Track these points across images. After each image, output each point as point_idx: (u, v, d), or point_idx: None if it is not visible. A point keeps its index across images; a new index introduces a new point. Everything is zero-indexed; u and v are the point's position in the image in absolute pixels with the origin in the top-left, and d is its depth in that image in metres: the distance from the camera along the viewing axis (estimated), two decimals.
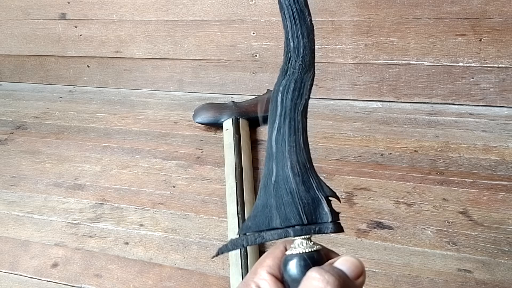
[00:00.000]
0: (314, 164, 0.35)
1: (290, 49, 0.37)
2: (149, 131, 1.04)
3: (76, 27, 1.24)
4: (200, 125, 1.03)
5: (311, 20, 0.38)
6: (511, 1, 0.90)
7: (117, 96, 1.24)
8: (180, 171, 0.88)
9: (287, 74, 0.37)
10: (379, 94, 1.07)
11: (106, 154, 0.96)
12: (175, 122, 1.07)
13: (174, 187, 0.83)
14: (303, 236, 0.32)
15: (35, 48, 1.32)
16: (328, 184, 0.35)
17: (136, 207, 0.79)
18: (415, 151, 0.87)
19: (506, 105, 0.99)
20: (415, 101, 1.04)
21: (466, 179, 0.78)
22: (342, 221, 0.74)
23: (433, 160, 0.84)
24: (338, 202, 0.35)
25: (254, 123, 1.00)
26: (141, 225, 0.75)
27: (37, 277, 0.66)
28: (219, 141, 0.96)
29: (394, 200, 0.75)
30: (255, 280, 0.32)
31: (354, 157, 0.87)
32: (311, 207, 0.33)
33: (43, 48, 1.31)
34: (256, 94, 1.12)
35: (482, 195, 0.74)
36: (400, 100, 1.05)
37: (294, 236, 0.33)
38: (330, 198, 0.34)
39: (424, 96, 1.04)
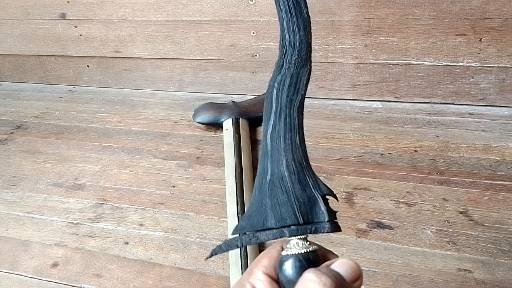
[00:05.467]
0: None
1: (285, 42, 0.36)
2: (149, 131, 1.04)
3: (76, 27, 1.24)
4: (200, 125, 1.03)
5: (307, 12, 0.36)
6: (511, 1, 0.90)
7: (117, 96, 1.24)
8: (180, 171, 0.88)
9: (283, 69, 0.36)
10: (379, 94, 1.06)
11: (106, 154, 0.96)
12: (175, 122, 1.07)
13: (174, 187, 0.83)
14: (299, 236, 0.32)
15: (35, 48, 1.32)
16: (327, 184, 0.34)
17: (136, 207, 0.79)
18: (415, 151, 0.87)
19: (506, 105, 0.99)
20: (415, 101, 1.04)
21: (466, 179, 0.78)
22: (342, 221, 0.74)
23: (433, 160, 0.84)
24: (336, 201, 0.35)
25: (254, 123, 1.00)
26: (141, 225, 0.75)
27: (37, 277, 0.66)
28: (219, 141, 0.96)
29: (394, 200, 0.75)
30: (250, 280, 0.31)
31: (354, 157, 0.87)
32: (307, 206, 0.33)
33: (43, 48, 1.31)
34: (256, 94, 1.12)
35: (482, 195, 0.74)
36: (400, 100, 1.05)
37: (290, 236, 0.32)
38: (327, 196, 0.34)
39: (424, 96, 1.04)
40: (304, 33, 0.36)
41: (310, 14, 0.37)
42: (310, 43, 0.36)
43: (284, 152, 0.34)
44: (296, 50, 0.36)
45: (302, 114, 0.35)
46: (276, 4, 0.36)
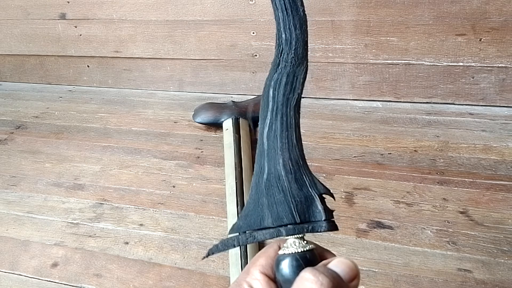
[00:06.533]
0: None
1: (282, 41, 0.36)
2: (149, 131, 1.04)
3: (76, 27, 1.24)
4: (200, 125, 1.03)
5: (303, 11, 0.36)
6: (511, 1, 0.90)
7: (117, 96, 1.24)
8: (180, 171, 0.88)
9: (279, 67, 0.36)
10: (379, 94, 1.06)
11: (106, 154, 0.96)
12: (175, 122, 1.07)
13: (174, 187, 0.83)
14: (296, 236, 0.32)
15: (35, 48, 1.32)
16: (327, 184, 0.34)
17: (136, 207, 0.79)
18: (415, 151, 0.87)
19: (506, 105, 0.99)
20: (415, 101, 1.04)
21: (466, 179, 0.78)
22: (342, 221, 0.74)
23: (433, 160, 0.84)
24: (333, 200, 0.35)
25: (254, 123, 1.00)
26: (141, 225, 0.75)
27: (37, 277, 0.66)
28: (219, 141, 0.96)
29: (394, 200, 0.75)
30: (247, 279, 0.31)
31: (354, 157, 0.87)
32: (304, 205, 0.33)
33: (43, 48, 1.31)
34: (256, 94, 1.12)
35: (482, 195, 0.74)
36: (400, 100, 1.05)
37: (286, 236, 0.32)
38: (324, 195, 0.34)
39: (424, 96, 1.04)
40: (300, 32, 0.36)
41: (309, 14, 0.37)
42: (307, 41, 0.36)
43: (280, 151, 0.34)
44: (293, 48, 0.36)
45: (299, 113, 0.35)
46: (272, 2, 0.36)
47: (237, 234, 0.33)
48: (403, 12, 0.96)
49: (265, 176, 0.34)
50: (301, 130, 0.35)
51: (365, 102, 1.07)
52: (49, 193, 0.85)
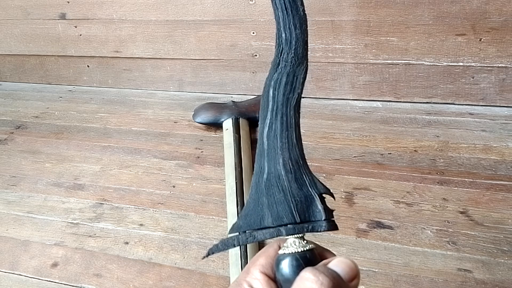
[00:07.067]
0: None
1: (282, 41, 0.36)
2: (149, 131, 1.04)
3: (76, 27, 1.24)
4: (200, 125, 1.03)
5: (303, 10, 0.36)
6: (511, 1, 0.90)
7: (117, 96, 1.24)
8: (180, 171, 0.88)
9: (279, 67, 0.36)
10: (379, 94, 1.06)
11: (106, 154, 0.96)
12: (175, 122, 1.07)
13: (174, 187, 0.83)
14: (296, 235, 0.32)
15: (35, 48, 1.32)
16: (327, 184, 0.34)
17: (136, 207, 0.79)
18: (415, 151, 0.87)
19: (506, 105, 0.99)
20: (415, 101, 1.04)
21: (466, 179, 0.78)
22: (342, 221, 0.74)
23: (433, 160, 0.84)
24: (333, 199, 0.35)
25: (254, 123, 1.00)
26: (141, 225, 0.75)
27: (37, 277, 0.66)
28: (219, 141, 0.96)
29: (394, 200, 0.75)
30: (247, 279, 0.31)
31: (354, 157, 0.87)
32: (304, 205, 0.33)
33: (43, 48, 1.31)
34: (256, 94, 1.12)
35: (482, 195, 0.74)
36: (400, 100, 1.05)
37: (287, 235, 0.32)
38: (324, 195, 0.34)
39: (424, 96, 1.04)
40: (300, 31, 0.36)
41: (309, 14, 0.37)
42: (307, 41, 0.36)
43: (280, 150, 0.34)
44: (293, 48, 0.36)
45: (299, 113, 0.35)
46: (272, 2, 0.36)
47: (237, 233, 0.33)
48: (403, 12, 0.96)
49: (265, 175, 0.34)
50: (301, 130, 0.35)
51: (365, 102, 1.07)
52: (49, 193, 0.85)
